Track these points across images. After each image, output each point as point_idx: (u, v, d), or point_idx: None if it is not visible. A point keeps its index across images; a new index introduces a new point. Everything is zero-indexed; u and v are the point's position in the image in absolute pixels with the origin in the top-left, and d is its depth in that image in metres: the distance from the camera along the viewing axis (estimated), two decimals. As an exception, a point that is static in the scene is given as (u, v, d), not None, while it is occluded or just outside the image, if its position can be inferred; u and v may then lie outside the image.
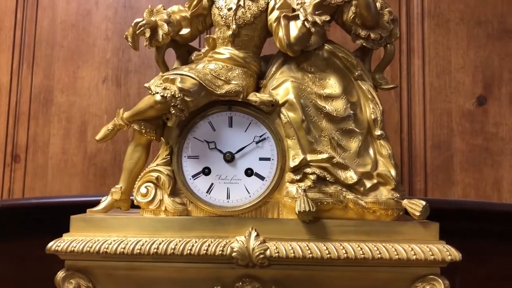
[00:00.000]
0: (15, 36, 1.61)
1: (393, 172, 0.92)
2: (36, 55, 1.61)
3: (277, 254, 0.84)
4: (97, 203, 0.98)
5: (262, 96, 0.93)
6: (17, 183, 1.56)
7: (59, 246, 0.85)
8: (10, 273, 1.42)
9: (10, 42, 1.61)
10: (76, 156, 1.55)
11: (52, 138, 1.57)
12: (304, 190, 0.88)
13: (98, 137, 0.98)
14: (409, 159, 1.48)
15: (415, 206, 0.88)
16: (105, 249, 0.84)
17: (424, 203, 0.88)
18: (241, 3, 0.97)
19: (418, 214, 0.88)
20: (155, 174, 0.91)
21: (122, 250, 0.84)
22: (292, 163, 0.91)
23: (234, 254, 0.84)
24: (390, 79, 1.49)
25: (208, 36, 1.00)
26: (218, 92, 0.91)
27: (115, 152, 1.52)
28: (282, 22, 0.94)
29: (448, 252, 0.86)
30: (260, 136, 0.93)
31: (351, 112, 0.95)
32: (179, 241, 0.85)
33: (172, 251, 0.84)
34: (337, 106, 0.95)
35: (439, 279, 0.87)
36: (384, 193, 0.91)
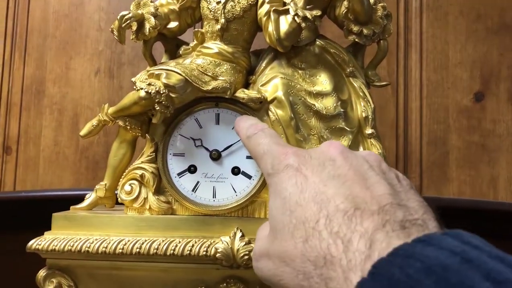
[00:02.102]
0: (6, 25, 1.59)
1: (383, 172, 0.89)
2: (28, 46, 1.59)
3: (262, 255, 0.82)
4: (88, 197, 0.96)
5: (250, 93, 0.90)
6: (8, 175, 1.55)
7: (39, 245, 0.83)
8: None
9: (2, 31, 1.58)
10: (68, 149, 1.53)
11: (44, 130, 1.55)
12: (292, 190, 0.86)
13: (82, 133, 0.96)
14: (404, 155, 1.46)
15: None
16: (86, 248, 0.82)
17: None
18: None
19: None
20: (139, 172, 0.89)
21: (104, 249, 0.82)
22: (280, 162, 0.89)
23: (218, 255, 0.82)
24: (386, 74, 1.46)
25: (196, 30, 0.97)
26: (205, 89, 0.88)
27: (107, 145, 1.50)
28: (272, 16, 0.91)
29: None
30: (248, 134, 0.90)
31: (342, 110, 0.92)
32: (163, 240, 0.83)
33: (155, 251, 0.82)
34: (327, 104, 0.92)
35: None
36: (374, 193, 0.89)
